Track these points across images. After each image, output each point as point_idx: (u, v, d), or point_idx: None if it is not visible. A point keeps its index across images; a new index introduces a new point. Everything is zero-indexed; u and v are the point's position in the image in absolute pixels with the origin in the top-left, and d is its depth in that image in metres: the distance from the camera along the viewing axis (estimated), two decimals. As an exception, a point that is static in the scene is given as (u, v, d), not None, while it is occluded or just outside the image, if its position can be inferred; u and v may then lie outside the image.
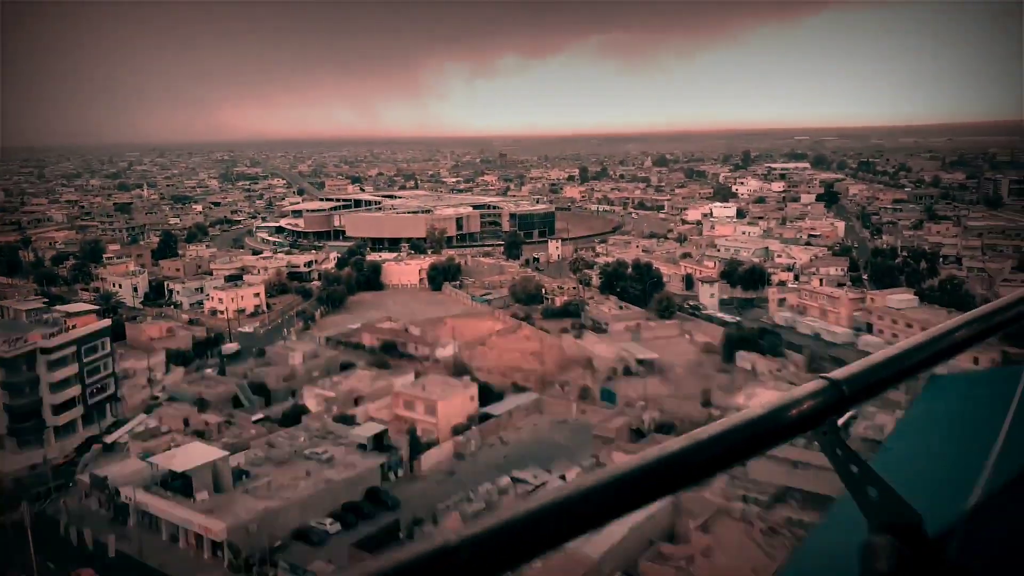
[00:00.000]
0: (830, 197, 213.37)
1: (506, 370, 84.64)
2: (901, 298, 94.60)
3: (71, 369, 74.36)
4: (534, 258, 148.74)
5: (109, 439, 70.66)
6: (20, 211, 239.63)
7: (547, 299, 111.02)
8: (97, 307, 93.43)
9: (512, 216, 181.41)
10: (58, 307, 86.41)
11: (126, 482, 55.29)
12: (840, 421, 1.95)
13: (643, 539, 44.08)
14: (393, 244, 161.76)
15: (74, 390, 74.54)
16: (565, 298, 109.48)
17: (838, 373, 1.95)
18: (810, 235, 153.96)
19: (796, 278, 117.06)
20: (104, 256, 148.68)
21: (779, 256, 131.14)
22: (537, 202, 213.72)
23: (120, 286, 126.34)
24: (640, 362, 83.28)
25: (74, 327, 77.17)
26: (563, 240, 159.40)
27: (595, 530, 1.41)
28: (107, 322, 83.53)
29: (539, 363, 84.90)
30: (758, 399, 63.99)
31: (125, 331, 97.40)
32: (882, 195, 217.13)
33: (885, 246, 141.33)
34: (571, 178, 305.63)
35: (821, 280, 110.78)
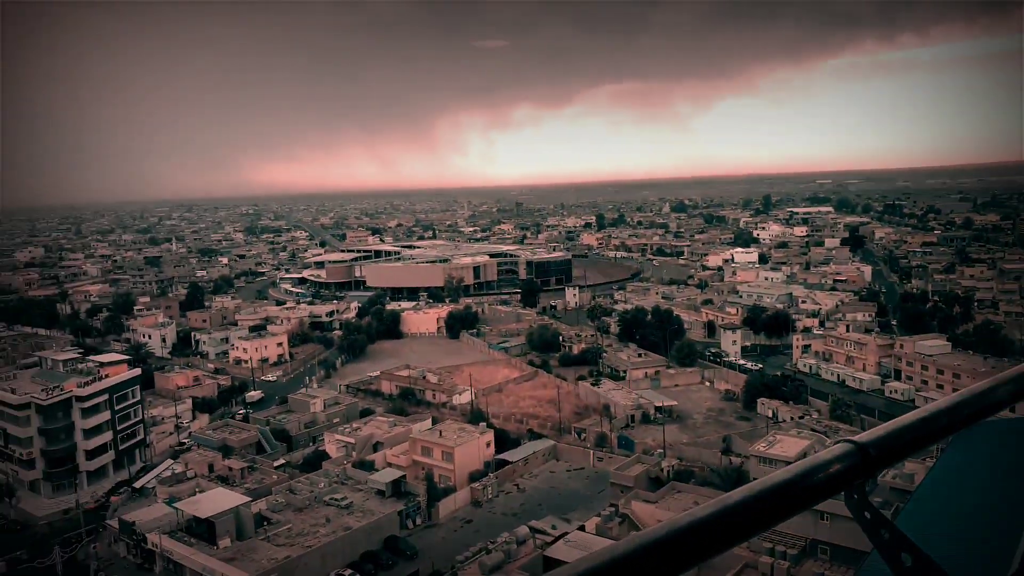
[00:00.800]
0: (855, 241, 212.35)
1: (522, 416, 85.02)
2: (933, 344, 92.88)
3: (104, 416, 76.34)
4: (551, 306, 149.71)
5: (138, 484, 72.22)
6: (58, 266, 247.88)
7: (565, 346, 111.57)
8: (128, 357, 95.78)
9: (529, 264, 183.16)
10: (92, 357, 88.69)
11: (152, 527, 56.27)
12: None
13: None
14: (412, 293, 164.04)
15: (106, 436, 76.39)
16: (583, 345, 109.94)
17: (864, 436, 2.01)
18: (835, 280, 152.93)
19: (821, 324, 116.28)
20: (135, 308, 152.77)
21: (803, 302, 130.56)
22: (554, 250, 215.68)
23: (150, 337, 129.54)
24: (659, 409, 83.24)
25: (107, 376, 79.31)
26: (580, 287, 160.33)
27: None
28: (137, 371, 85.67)
29: (556, 410, 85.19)
30: (780, 446, 63.74)
31: (154, 380, 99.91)
32: (910, 238, 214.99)
33: (915, 290, 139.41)
34: (588, 225, 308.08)
35: (848, 326, 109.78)
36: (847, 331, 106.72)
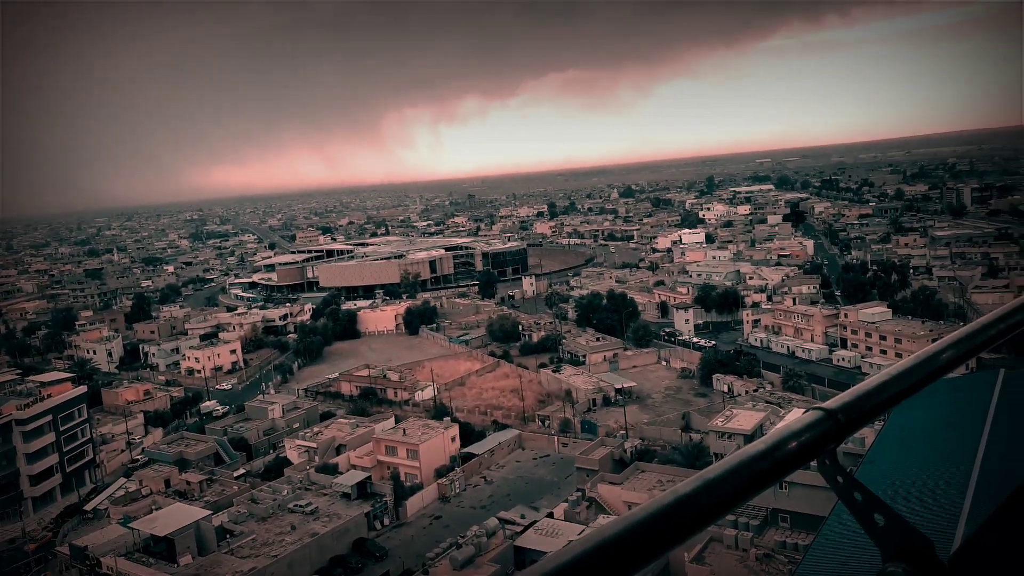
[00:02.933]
0: (796, 217, 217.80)
1: (486, 408, 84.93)
2: (874, 311, 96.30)
3: (48, 438, 73.46)
4: (509, 296, 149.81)
5: (89, 507, 69.61)
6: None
7: (524, 335, 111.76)
8: (72, 375, 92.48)
9: (485, 255, 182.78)
10: (32, 377, 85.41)
11: (107, 551, 54.35)
12: None
13: None
14: (368, 292, 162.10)
15: (51, 459, 73.56)
16: (542, 333, 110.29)
17: (832, 402, 2.07)
18: (780, 255, 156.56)
19: (769, 299, 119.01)
20: (77, 323, 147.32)
21: (751, 278, 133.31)
22: (508, 240, 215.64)
23: (95, 352, 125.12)
24: (619, 391, 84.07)
25: (49, 396, 76.24)
26: (537, 276, 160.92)
27: None
28: (83, 389, 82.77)
29: (519, 399, 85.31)
30: (737, 420, 65.01)
31: (102, 396, 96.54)
32: (848, 211, 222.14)
33: (855, 261, 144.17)
34: (540, 214, 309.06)
35: (794, 299, 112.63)
36: (794, 304, 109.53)
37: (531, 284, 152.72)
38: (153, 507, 60.60)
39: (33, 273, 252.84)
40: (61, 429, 75.01)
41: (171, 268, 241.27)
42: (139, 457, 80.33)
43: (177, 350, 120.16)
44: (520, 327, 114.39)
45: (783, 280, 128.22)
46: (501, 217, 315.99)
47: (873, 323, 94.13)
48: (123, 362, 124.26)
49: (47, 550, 60.79)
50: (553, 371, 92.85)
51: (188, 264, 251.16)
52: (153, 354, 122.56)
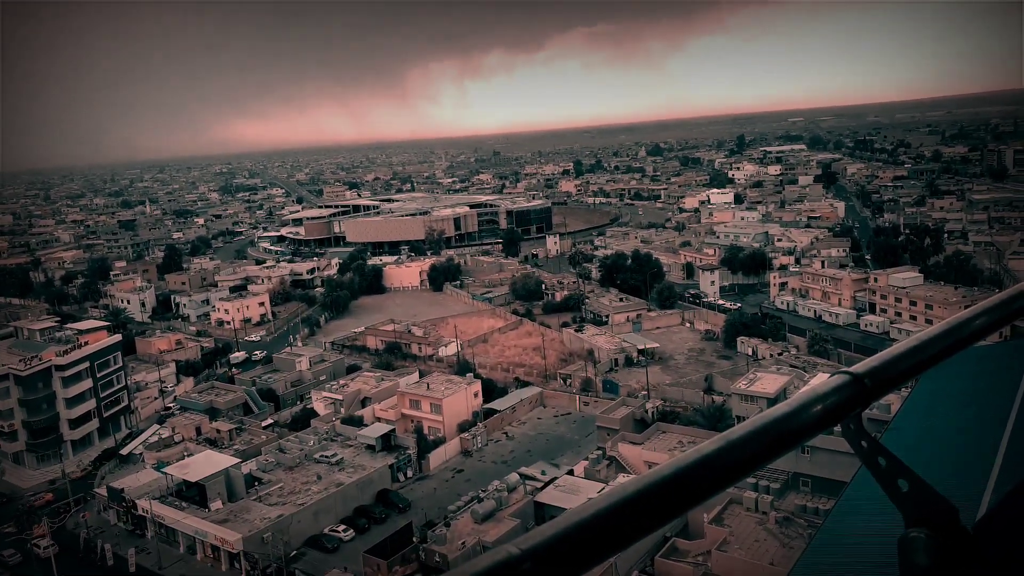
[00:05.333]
0: (828, 178, 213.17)
1: (509, 365, 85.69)
2: (905, 276, 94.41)
3: (85, 384, 75.77)
4: (533, 254, 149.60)
5: (124, 451, 72.17)
6: (28, 233, 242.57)
7: (547, 294, 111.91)
8: (107, 323, 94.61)
9: (509, 213, 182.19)
10: (70, 325, 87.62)
11: (142, 493, 56.51)
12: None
13: (657, 535, 41.86)
14: (393, 247, 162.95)
15: (89, 404, 75.98)
16: (565, 292, 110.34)
17: (859, 367, 2.06)
18: (810, 217, 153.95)
19: (797, 261, 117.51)
20: (111, 273, 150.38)
21: (779, 240, 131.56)
22: (533, 198, 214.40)
23: (128, 302, 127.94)
24: (642, 352, 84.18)
25: (86, 343, 78.34)
26: (561, 235, 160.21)
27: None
28: (118, 337, 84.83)
29: (541, 357, 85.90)
30: (760, 384, 64.90)
31: (135, 345, 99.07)
32: (881, 173, 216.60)
33: (887, 224, 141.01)
34: (566, 172, 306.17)
35: (823, 262, 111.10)
36: (822, 267, 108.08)
37: (555, 243, 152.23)
38: (185, 454, 62.60)
39: (70, 223, 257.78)
40: (98, 376, 77.27)
41: (201, 220, 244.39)
42: (171, 405, 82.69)
43: (207, 301, 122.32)
44: (543, 286, 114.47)
45: (812, 243, 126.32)
46: (526, 175, 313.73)
47: (904, 288, 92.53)
48: (155, 312, 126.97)
49: (86, 491, 63.27)
50: (576, 330, 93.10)
51: (218, 217, 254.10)
52: (184, 305, 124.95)
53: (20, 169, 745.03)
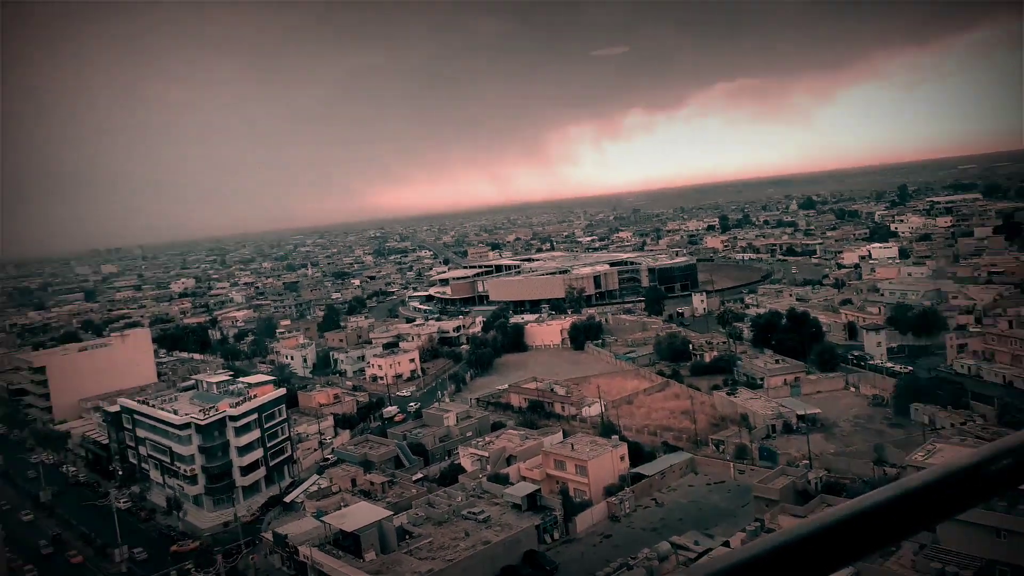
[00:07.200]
0: (1011, 228, 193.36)
1: (656, 429, 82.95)
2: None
3: (254, 434, 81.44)
4: (678, 313, 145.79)
5: (288, 498, 76.32)
6: (208, 295, 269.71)
7: (695, 355, 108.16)
8: (273, 377, 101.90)
9: (651, 271, 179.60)
10: (242, 379, 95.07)
11: (303, 540, 59.18)
12: None
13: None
14: (534, 305, 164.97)
15: (257, 453, 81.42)
16: (715, 353, 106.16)
17: None
18: (990, 272, 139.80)
19: (978, 321, 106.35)
20: (277, 331, 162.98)
21: (954, 297, 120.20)
22: (676, 255, 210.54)
23: (292, 357, 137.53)
24: (801, 418, 78.82)
25: (255, 396, 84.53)
26: (708, 293, 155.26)
27: None
28: (282, 391, 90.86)
29: (690, 421, 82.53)
30: (940, 456, 58.53)
31: (298, 398, 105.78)
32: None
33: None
34: (711, 228, 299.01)
35: (1010, 322, 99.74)
36: (1010, 327, 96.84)
37: (701, 301, 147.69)
38: (342, 504, 65.13)
39: (242, 285, 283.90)
40: (265, 427, 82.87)
41: (357, 282, 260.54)
42: (329, 456, 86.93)
43: (363, 357, 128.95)
44: (690, 346, 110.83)
45: (995, 300, 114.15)
46: (668, 231, 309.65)
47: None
48: (316, 367, 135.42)
49: (254, 535, 67.26)
50: (728, 394, 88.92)
51: (372, 278, 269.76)
52: (341, 361, 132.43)
53: (202, 237, 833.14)
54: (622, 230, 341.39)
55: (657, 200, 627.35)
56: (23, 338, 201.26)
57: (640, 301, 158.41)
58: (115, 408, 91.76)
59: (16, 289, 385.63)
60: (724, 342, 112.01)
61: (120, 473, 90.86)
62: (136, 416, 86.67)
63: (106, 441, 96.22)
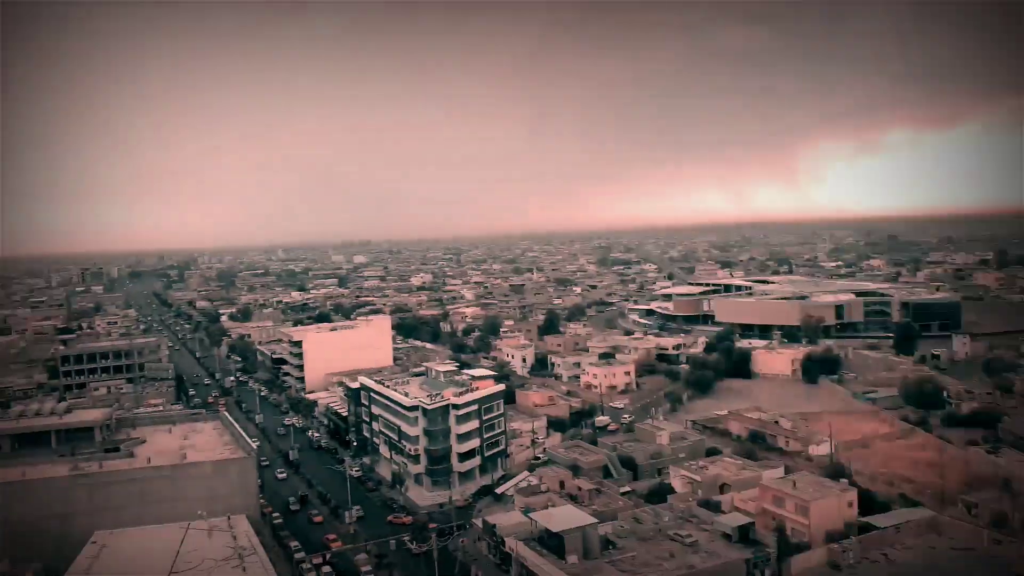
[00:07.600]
0: None
1: (893, 479, 74.48)
2: None
3: (473, 424, 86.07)
4: (934, 355, 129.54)
5: (499, 490, 79.64)
6: (442, 290, 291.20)
7: (950, 404, 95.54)
8: (494, 373, 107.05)
9: (904, 305, 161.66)
10: (466, 371, 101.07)
11: (510, 533, 61.19)
12: None
13: None
14: (764, 331, 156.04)
15: (474, 442, 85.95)
16: (975, 405, 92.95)
17: None
18: None
19: None
20: (501, 330, 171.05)
21: None
22: (937, 290, 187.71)
23: (512, 356, 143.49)
24: (1085, 493, 66.03)
25: (477, 388, 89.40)
26: (973, 336, 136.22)
27: None
28: (502, 387, 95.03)
29: (937, 476, 72.86)
30: None
31: (515, 396, 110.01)
32: None
33: None
34: (984, 263, 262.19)
35: None
36: None
37: (964, 344, 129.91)
38: (549, 504, 66.44)
39: (473, 284, 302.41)
40: (483, 418, 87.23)
41: (579, 289, 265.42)
42: (540, 456, 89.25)
43: (578, 364, 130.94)
44: (945, 393, 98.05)
45: None
46: (929, 263, 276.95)
47: None
48: (533, 369, 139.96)
49: (466, 520, 70.99)
50: (988, 451, 77.25)
51: (593, 287, 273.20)
52: (558, 365, 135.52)
53: (443, 236, 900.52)
54: (874, 258, 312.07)
55: (919, 228, 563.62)
56: (286, 314, 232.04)
57: (888, 337, 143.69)
58: (355, 385, 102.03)
59: (284, 271, 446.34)
60: (989, 393, 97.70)
61: (355, 444, 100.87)
62: (372, 394, 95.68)
63: (345, 413, 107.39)
